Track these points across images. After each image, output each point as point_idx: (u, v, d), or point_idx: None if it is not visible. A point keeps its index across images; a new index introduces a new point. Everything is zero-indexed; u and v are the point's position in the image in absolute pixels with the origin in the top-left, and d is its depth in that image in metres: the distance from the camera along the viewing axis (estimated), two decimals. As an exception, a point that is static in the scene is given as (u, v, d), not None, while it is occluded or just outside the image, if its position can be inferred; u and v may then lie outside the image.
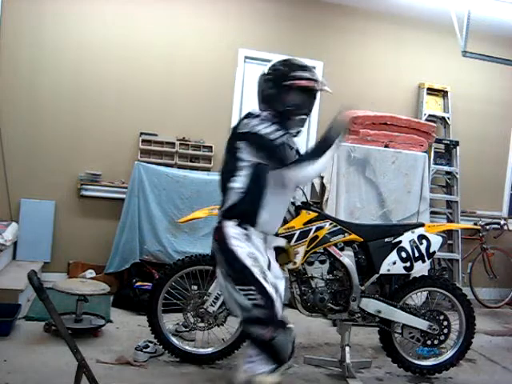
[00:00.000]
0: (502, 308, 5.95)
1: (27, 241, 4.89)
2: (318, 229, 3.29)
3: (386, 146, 5.22)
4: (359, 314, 3.39)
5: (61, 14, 4.99)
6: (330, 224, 3.33)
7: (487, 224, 5.97)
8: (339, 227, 3.36)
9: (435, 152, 5.89)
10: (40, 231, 4.93)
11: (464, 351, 3.63)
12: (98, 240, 5.07)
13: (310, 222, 3.28)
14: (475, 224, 5.91)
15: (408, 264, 3.43)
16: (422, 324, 3.45)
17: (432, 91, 5.98)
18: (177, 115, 5.31)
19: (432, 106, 5.99)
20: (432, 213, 5.58)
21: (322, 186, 5.20)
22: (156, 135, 5.20)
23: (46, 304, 2.41)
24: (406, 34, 5.89)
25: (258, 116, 2.46)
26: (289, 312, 3.01)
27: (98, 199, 5.11)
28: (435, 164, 5.87)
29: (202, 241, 4.82)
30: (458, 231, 5.86)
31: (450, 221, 5.91)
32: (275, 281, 2.45)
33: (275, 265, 2.68)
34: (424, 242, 3.45)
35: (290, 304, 3.58)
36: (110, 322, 4.12)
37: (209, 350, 3.52)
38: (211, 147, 5.30)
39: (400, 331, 3.50)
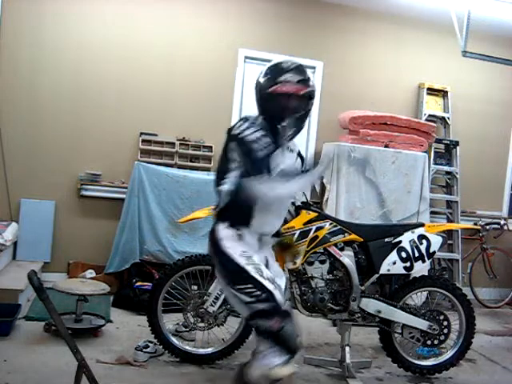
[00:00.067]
0: (501, 308, 5.95)
1: (27, 241, 4.88)
2: (318, 229, 3.29)
3: (386, 146, 5.23)
4: (359, 314, 3.39)
5: (61, 13, 4.99)
6: (330, 224, 3.33)
7: (487, 224, 5.97)
8: (339, 227, 3.36)
9: (435, 152, 5.88)
10: (40, 231, 4.93)
11: (464, 351, 3.63)
12: (98, 240, 5.07)
13: (310, 222, 3.29)
14: (475, 224, 5.91)
15: (408, 264, 3.43)
16: (421, 324, 3.45)
17: (432, 91, 5.98)
18: (177, 115, 5.31)
19: (432, 106, 5.99)
20: (432, 213, 5.59)
21: (322, 186, 5.21)
22: (156, 135, 5.20)
23: (45, 304, 2.41)
24: (406, 34, 5.88)
25: (250, 120, 2.44)
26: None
27: (98, 199, 5.11)
28: (435, 164, 5.87)
29: (202, 241, 4.81)
30: (458, 231, 5.86)
31: (450, 221, 5.91)
32: (273, 275, 2.45)
33: (274, 264, 2.68)
34: (424, 241, 3.45)
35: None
36: (110, 321, 4.12)
37: (209, 350, 3.52)
38: (211, 147, 5.30)
39: (400, 331, 3.51)
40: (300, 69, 2.47)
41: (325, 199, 5.06)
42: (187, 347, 3.53)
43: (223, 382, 3.27)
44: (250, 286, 2.31)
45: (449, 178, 6.00)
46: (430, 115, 5.94)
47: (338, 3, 5.64)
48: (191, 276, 3.55)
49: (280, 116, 2.40)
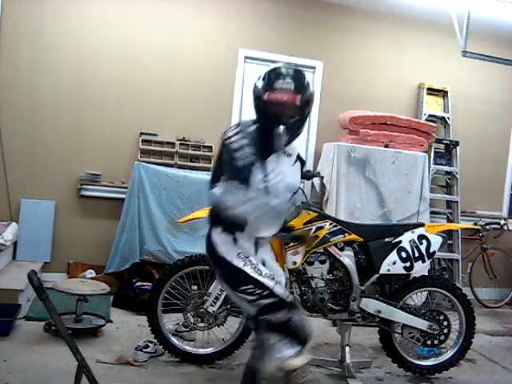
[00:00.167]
0: (502, 308, 5.95)
1: (27, 241, 4.89)
2: (318, 229, 3.29)
3: (386, 146, 5.23)
4: (359, 314, 3.39)
5: (61, 13, 4.99)
6: (330, 224, 3.33)
7: (487, 224, 5.97)
8: (339, 227, 3.36)
9: (435, 152, 5.88)
10: (40, 231, 4.93)
11: (464, 351, 3.63)
12: (98, 240, 5.07)
13: (310, 222, 3.29)
14: (475, 224, 5.91)
15: (408, 264, 3.43)
16: (421, 324, 3.45)
17: (432, 91, 5.98)
18: (177, 115, 5.31)
19: (432, 106, 5.99)
20: (432, 213, 5.59)
21: (322, 186, 5.20)
22: (156, 135, 5.20)
23: (45, 304, 2.41)
24: (406, 34, 5.89)
25: (241, 126, 2.43)
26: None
27: (98, 199, 5.11)
28: (435, 164, 5.87)
29: (202, 241, 4.72)
30: (458, 231, 5.86)
31: (450, 221, 5.91)
32: (273, 272, 2.46)
33: (274, 264, 2.68)
34: (424, 241, 3.45)
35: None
36: (110, 321, 4.12)
37: (209, 350, 3.52)
38: (211, 147, 5.30)
39: (400, 331, 3.51)
40: (298, 74, 2.40)
41: (325, 199, 5.06)
42: (187, 347, 3.53)
43: (223, 381, 3.27)
44: (250, 286, 2.32)
45: (449, 178, 6.00)
46: (430, 115, 5.94)
47: (337, 3, 5.64)
48: (191, 276, 3.55)
49: (276, 123, 2.35)
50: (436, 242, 3.48)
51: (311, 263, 3.33)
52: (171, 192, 4.93)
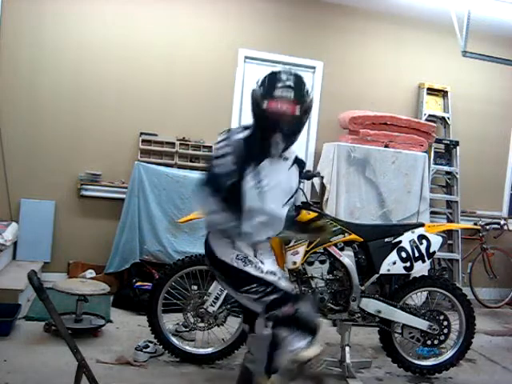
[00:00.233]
0: (502, 308, 5.94)
1: (27, 241, 4.89)
2: (318, 229, 3.28)
3: (386, 146, 5.23)
4: (359, 314, 3.39)
5: (61, 13, 4.99)
6: (330, 224, 3.33)
7: (487, 224, 5.97)
8: (339, 227, 3.36)
9: (435, 152, 5.88)
10: (40, 231, 4.93)
11: (464, 351, 3.63)
12: (98, 240, 5.07)
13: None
14: (475, 224, 5.91)
15: (408, 264, 3.43)
16: (421, 324, 3.45)
17: (432, 91, 5.98)
18: (177, 115, 5.31)
19: (432, 106, 5.99)
20: (432, 213, 5.59)
21: (322, 186, 5.20)
22: (156, 135, 5.20)
23: (45, 304, 2.41)
24: (406, 34, 5.88)
25: (229, 134, 2.43)
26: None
27: (98, 199, 5.11)
28: (435, 164, 5.87)
29: (202, 241, 4.79)
30: (458, 231, 5.86)
31: (450, 221, 5.91)
32: (274, 269, 2.46)
33: (274, 264, 2.68)
34: (424, 241, 3.45)
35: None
36: (110, 321, 4.12)
37: (209, 350, 3.52)
38: (211, 147, 5.28)
39: (400, 331, 3.51)
40: (298, 81, 2.35)
41: (325, 199, 5.06)
42: (187, 347, 3.53)
43: (223, 381, 3.27)
44: (254, 285, 2.33)
45: (449, 178, 6.00)
46: (430, 115, 5.94)
47: (338, 3, 5.64)
48: (191, 276, 3.55)
49: (274, 131, 2.33)
50: (436, 242, 3.48)
51: (311, 263, 3.33)
52: (171, 192, 4.93)
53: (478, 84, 6.15)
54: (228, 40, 5.41)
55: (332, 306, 3.37)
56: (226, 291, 3.26)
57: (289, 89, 2.31)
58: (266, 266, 2.42)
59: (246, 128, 2.45)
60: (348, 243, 3.39)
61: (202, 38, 5.35)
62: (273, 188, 2.39)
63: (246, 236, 2.40)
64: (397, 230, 3.51)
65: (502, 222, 6.07)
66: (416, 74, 5.97)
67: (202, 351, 3.52)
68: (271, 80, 2.34)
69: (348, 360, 3.47)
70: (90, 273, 4.91)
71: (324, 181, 5.12)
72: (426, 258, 3.45)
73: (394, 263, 3.41)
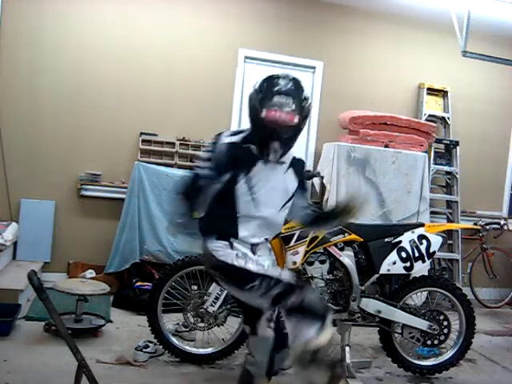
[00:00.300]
0: (502, 308, 5.94)
1: (27, 241, 4.89)
2: (318, 229, 3.28)
3: (386, 146, 5.23)
4: (359, 314, 3.39)
5: (61, 13, 4.99)
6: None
7: (487, 224, 5.97)
8: (339, 227, 3.36)
9: (435, 152, 5.88)
10: (40, 231, 4.93)
11: (464, 351, 3.63)
12: (98, 240, 5.07)
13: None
14: (475, 224, 5.90)
15: (408, 264, 3.43)
16: (421, 324, 3.45)
17: (432, 91, 5.98)
18: (177, 115, 5.31)
19: (432, 106, 5.99)
20: (432, 213, 5.59)
21: (322, 186, 5.20)
22: (156, 135, 5.20)
23: (45, 304, 2.41)
24: (406, 34, 5.88)
25: (218, 138, 2.42)
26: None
27: (98, 199, 5.11)
28: (435, 164, 5.87)
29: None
30: (458, 231, 5.86)
31: (450, 221, 5.91)
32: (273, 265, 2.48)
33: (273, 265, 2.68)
34: (424, 241, 3.45)
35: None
36: (110, 321, 4.12)
37: (209, 350, 3.52)
38: (211, 147, 5.29)
39: (400, 331, 3.50)
40: (297, 88, 2.32)
41: (325, 199, 5.06)
42: (187, 347, 3.53)
43: (223, 381, 3.27)
44: (257, 282, 2.33)
45: (449, 178, 6.00)
46: (430, 115, 5.94)
47: (337, 3, 5.64)
48: (191, 276, 3.55)
49: (271, 139, 2.32)
50: (436, 241, 3.48)
51: (311, 263, 3.33)
52: (171, 192, 4.92)
53: (477, 84, 6.15)
54: (228, 40, 5.41)
55: (332, 306, 3.36)
56: (225, 291, 3.26)
57: (287, 96, 2.28)
58: (267, 262, 2.43)
59: (237, 133, 2.45)
60: (348, 243, 3.40)
61: (202, 38, 5.35)
62: (267, 192, 2.39)
63: (246, 236, 2.41)
64: (397, 229, 3.51)
65: (502, 222, 6.07)
66: (416, 74, 5.97)
67: (202, 351, 3.51)
68: (269, 86, 2.31)
69: (348, 360, 3.46)
70: (90, 273, 4.91)
71: (324, 181, 5.12)
72: (426, 258, 3.45)
73: (394, 263, 3.41)
